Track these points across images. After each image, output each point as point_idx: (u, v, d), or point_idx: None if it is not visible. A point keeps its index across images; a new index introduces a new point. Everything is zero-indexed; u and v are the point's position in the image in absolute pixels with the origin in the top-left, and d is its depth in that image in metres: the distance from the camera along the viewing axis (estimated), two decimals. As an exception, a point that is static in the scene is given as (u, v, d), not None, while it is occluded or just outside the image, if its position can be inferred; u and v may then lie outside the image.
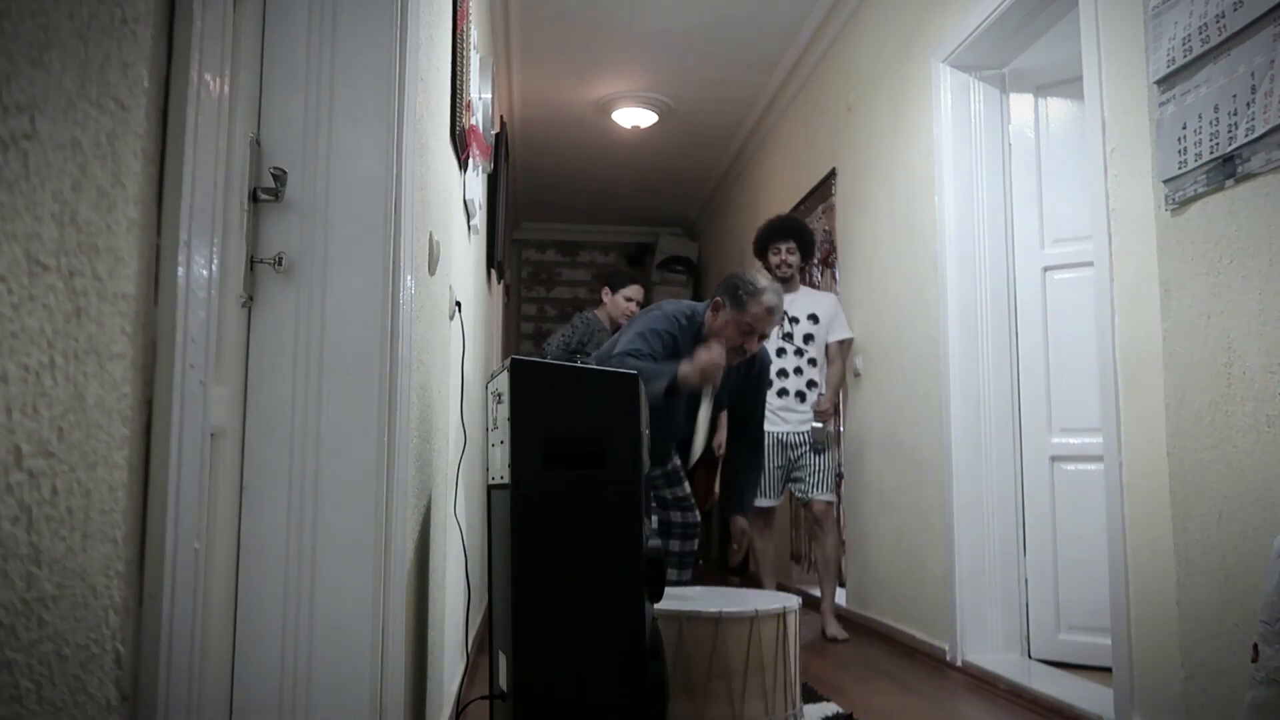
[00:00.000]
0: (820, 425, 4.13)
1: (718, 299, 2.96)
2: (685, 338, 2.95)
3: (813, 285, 4.75)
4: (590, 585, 1.73)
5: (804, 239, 4.27)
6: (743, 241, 6.63)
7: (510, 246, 7.68)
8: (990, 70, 3.46)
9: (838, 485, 4.18)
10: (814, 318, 4.23)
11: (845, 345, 4.30)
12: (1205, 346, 2.05)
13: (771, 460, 4.16)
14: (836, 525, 4.15)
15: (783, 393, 4.19)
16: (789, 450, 4.15)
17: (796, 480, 4.15)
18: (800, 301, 4.25)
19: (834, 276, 4.74)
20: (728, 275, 3.05)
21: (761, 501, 4.18)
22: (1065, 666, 3.14)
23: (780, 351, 4.21)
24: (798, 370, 4.20)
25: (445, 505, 2.45)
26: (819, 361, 4.23)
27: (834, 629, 3.99)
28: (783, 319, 4.27)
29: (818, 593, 4.80)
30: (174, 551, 0.78)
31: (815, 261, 4.80)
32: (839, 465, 4.24)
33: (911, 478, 3.73)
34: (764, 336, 2.98)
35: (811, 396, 4.18)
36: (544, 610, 1.71)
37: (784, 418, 4.17)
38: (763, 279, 2.99)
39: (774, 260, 4.25)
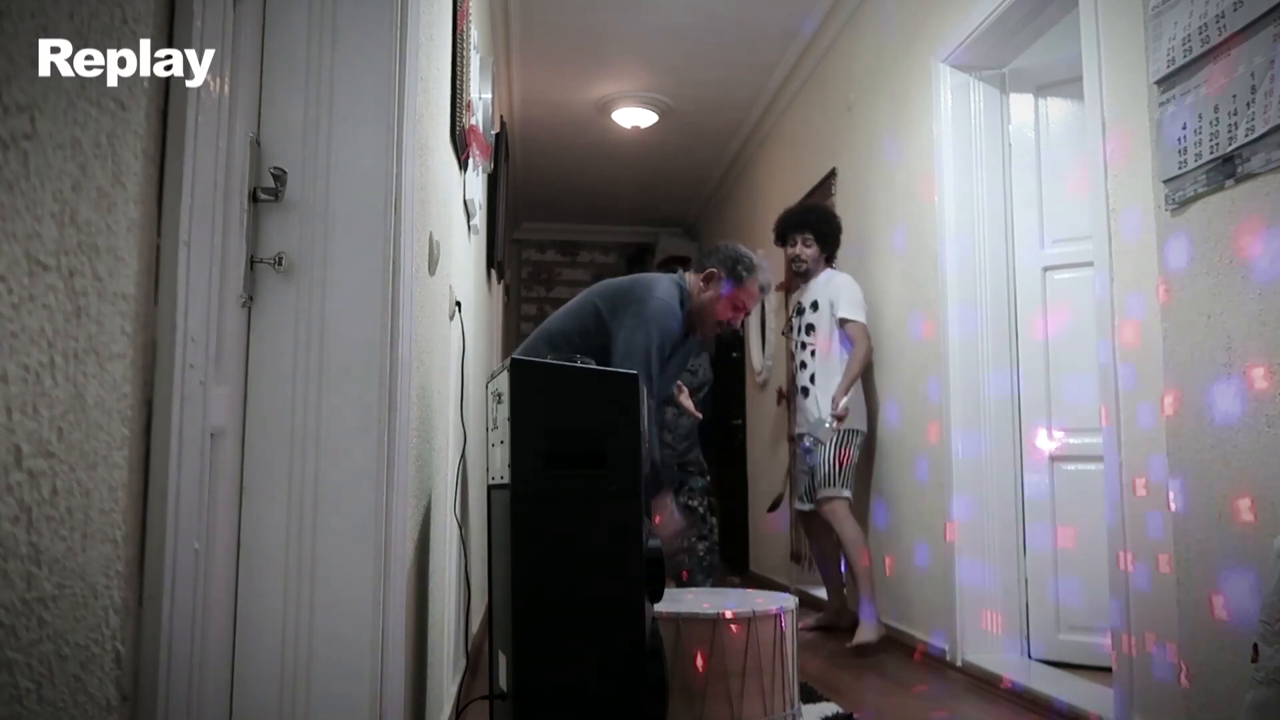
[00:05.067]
0: (829, 424, 3.76)
1: (712, 270, 2.86)
2: (680, 325, 2.86)
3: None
4: (590, 585, 1.73)
5: (821, 229, 4.04)
6: (742, 240, 6.63)
7: (510, 246, 7.68)
8: (990, 70, 3.46)
9: (845, 479, 3.82)
10: (815, 305, 3.98)
11: (853, 325, 3.87)
12: (1205, 346, 2.05)
13: (801, 461, 4.03)
14: (849, 521, 3.79)
15: (796, 390, 4.04)
16: (807, 452, 3.95)
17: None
18: (811, 290, 4.02)
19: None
20: (723, 246, 2.93)
21: (802, 506, 4.03)
22: (1065, 666, 3.14)
23: (797, 346, 4.05)
24: (802, 365, 3.99)
25: (445, 505, 2.45)
26: (819, 353, 3.92)
27: (865, 634, 3.63)
28: (793, 310, 4.13)
29: (817, 593, 4.80)
30: (174, 551, 0.78)
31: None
32: (849, 458, 3.85)
33: (911, 477, 3.73)
34: (748, 313, 2.94)
35: (815, 391, 3.90)
36: (544, 610, 1.71)
37: (797, 420, 4.03)
38: (758, 254, 2.91)
39: (789, 253, 4.07)
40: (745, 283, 2.84)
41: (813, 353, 3.95)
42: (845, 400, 3.77)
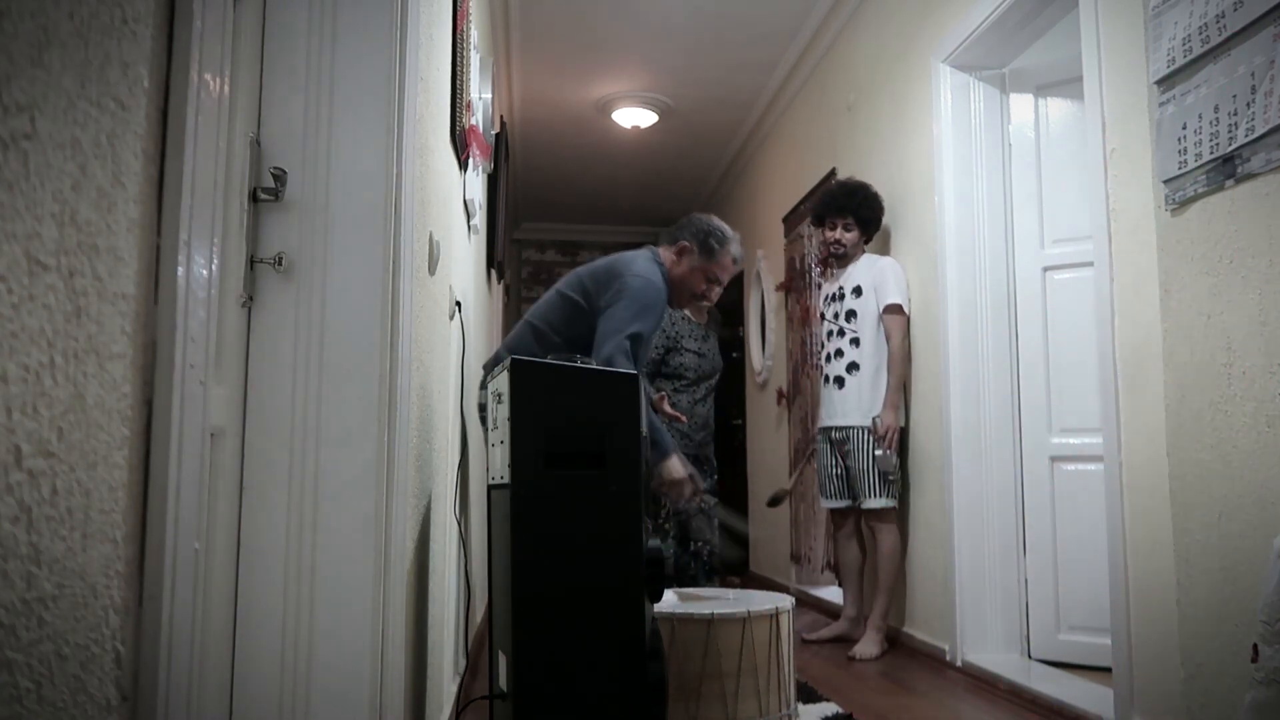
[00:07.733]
0: (883, 453, 3.58)
1: (684, 243, 2.86)
2: (665, 296, 2.84)
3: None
4: (590, 585, 1.73)
5: (864, 214, 3.79)
6: (743, 240, 6.63)
7: (510, 246, 7.68)
8: (990, 70, 3.46)
9: (890, 487, 3.66)
10: (858, 290, 3.74)
11: (895, 313, 3.66)
12: (1205, 346, 2.05)
13: (826, 457, 3.80)
14: (894, 532, 3.67)
15: (827, 379, 3.82)
16: (839, 445, 3.74)
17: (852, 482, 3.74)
18: (852, 275, 3.80)
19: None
20: (694, 218, 2.92)
21: (829, 503, 3.85)
22: (1065, 666, 3.14)
23: (828, 334, 3.85)
24: (839, 353, 3.76)
25: (445, 505, 2.45)
26: (864, 341, 3.70)
27: (865, 647, 3.56)
28: (828, 297, 3.92)
29: (817, 594, 4.81)
30: (174, 551, 0.78)
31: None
32: (895, 465, 3.69)
33: (911, 478, 3.73)
34: (723, 285, 2.94)
35: (853, 381, 3.69)
36: (544, 610, 1.71)
37: (827, 411, 3.81)
38: (727, 226, 2.91)
39: (828, 236, 3.83)
40: (717, 255, 2.85)
41: (853, 341, 3.72)
42: (895, 414, 3.60)
